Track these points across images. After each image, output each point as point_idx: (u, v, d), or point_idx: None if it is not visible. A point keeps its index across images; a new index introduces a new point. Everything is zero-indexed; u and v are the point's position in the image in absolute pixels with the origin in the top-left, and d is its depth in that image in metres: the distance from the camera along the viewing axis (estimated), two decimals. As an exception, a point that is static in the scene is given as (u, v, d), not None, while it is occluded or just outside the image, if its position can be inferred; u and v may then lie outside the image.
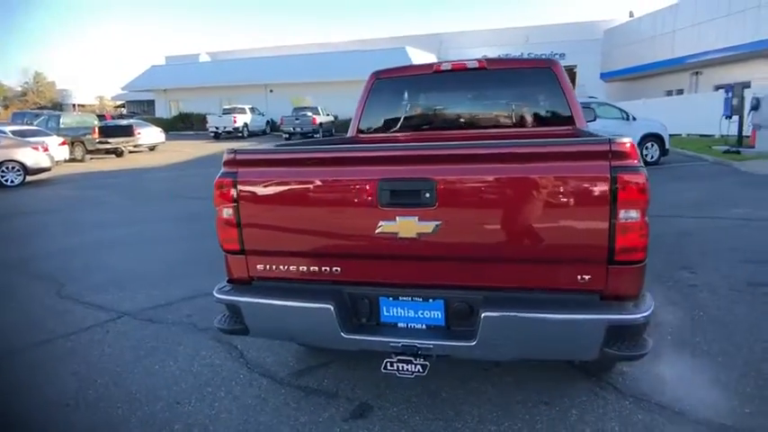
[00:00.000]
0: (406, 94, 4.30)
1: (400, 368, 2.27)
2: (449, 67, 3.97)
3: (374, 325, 2.42)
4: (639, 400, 2.83)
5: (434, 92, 4.29)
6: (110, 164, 18.87)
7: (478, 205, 2.18)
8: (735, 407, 2.75)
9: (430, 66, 4.06)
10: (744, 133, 14.67)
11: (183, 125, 37.34)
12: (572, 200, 2.09)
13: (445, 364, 2.78)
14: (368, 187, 2.24)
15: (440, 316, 2.34)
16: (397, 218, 2.22)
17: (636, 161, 2.05)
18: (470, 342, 2.19)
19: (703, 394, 2.88)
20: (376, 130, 4.27)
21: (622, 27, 36.54)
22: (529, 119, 4.05)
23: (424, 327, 2.37)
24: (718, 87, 24.62)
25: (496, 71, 3.98)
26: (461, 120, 4.25)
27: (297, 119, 29.61)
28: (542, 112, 4.03)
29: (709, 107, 19.40)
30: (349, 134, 4.31)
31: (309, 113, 30.10)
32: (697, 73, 28.81)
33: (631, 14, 39.42)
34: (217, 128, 30.79)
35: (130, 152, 21.83)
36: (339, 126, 33.01)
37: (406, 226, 2.21)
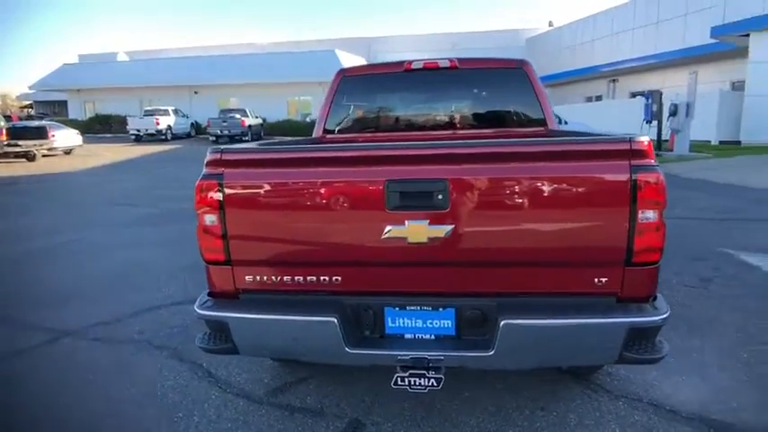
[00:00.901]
0: (374, 93, 4.15)
1: (412, 383, 2.11)
2: (420, 66, 3.85)
3: (378, 337, 2.25)
4: (632, 401, 2.82)
5: (404, 91, 4.16)
6: (21, 168, 17.31)
7: (494, 207, 2.06)
8: (721, 400, 2.81)
9: (400, 64, 3.92)
10: (663, 137, 15.64)
11: (101, 127, 35.18)
12: (591, 199, 2.03)
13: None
14: (374, 189, 2.07)
15: (450, 325, 2.20)
16: (407, 222, 2.06)
17: (653, 160, 2.01)
18: (488, 352, 2.06)
19: (689, 390, 2.92)
20: (343, 131, 4.08)
21: (544, 36, 38.27)
22: (502, 119, 4.00)
23: (432, 337, 2.23)
24: (634, 94, 26.30)
25: (468, 71, 3.91)
26: (433, 120, 4.14)
27: (224, 121, 28.78)
28: (515, 112, 4.00)
29: (627, 112, 20.62)
30: (314, 134, 4.09)
31: (238, 116, 29.32)
32: (614, 80, 30.65)
33: (551, 24, 41.39)
34: (138, 130, 29.30)
35: (44, 156, 20.19)
36: (268, 129, 32.38)
37: (417, 230, 2.06)
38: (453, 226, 2.05)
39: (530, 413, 2.74)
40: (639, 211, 1.99)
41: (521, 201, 2.05)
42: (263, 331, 2.22)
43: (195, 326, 3.95)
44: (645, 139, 2.00)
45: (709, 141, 18.81)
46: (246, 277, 2.26)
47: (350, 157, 2.17)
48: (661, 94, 15.97)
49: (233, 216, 2.18)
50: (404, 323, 2.23)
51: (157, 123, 29.20)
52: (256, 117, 31.32)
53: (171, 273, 5.34)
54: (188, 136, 32.57)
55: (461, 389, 2.94)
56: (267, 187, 2.18)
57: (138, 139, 29.21)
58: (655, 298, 2.15)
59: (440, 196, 2.04)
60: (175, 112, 31.66)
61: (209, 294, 2.37)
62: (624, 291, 2.09)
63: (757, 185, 10.36)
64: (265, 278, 2.24)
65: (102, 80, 37.95)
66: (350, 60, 36.44)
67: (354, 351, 2.14)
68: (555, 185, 2.02)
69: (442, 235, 2.05)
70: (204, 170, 2.22)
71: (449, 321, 2.20)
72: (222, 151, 2.19)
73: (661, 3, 25.32)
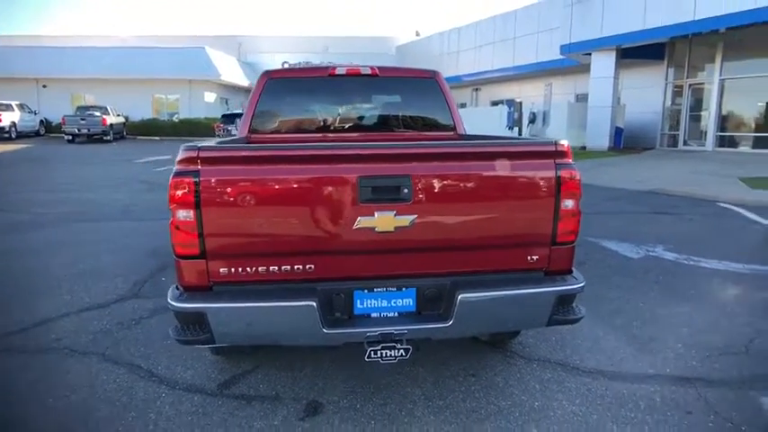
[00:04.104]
0: (298, 95, 4.33)
1: (384, 354, 2.39)
2: (343, 72, 4.12)
3: (347, 318, 2.49)
4: (543, 362, 3.36)
5: (328, 95, 4.39)
6: None
7: (449, 199, 2.42)
8: (611, 356, 3.44)
9: (325, 69, 4.16)
10: (524, 142, 17.34)
11: None
12: (526, 192, 2.47)
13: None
14: (349, 184, 2.32)
15: (411, 303, 2.52)
16: (376, 213, 2.34)
17: (571, 160, 2.50)
18: (446, 323, 2.42)
19: (584, 350, 3.52)
20: (269, 131, 4.22)
21: (413, 44, 40.07)
22: (417, 123, 4.42)
23: (396, 314, 2.52)
24: (494, 102, 28.62)
25: (386, 78, 4.26)
26: (355, 123, 4.43)
27: (83, 119, 26.50)
28: (429, 118, 4.43)
29: (490, 119, 22.41)
30: (239, 134, 4.18)
31: (98, 113, 27.16)
32: (477, 89, 33.08)
33: (417, 34, 43.43)
34: (-25, 127, 25.81)
35: None
36: (132, 128, 30.34)
37: (384, 221, 2.35)
38: (416, 216, 2.37)
39: (463, 380, 3.14)
40: (562, 201, 2.47)
41: (472, 193, 2.43)
42: (245, 318, 2.36)
43: (120, 330, 3.85)
44: (565, 142, 2.49)
45: (560, 146, 21.13)
46: (221, 270, 2.37)
47: (323, 156, 2.39)
48: (521, 103, 17.70)
49: (209, 212, 2.28)
50: (371, 304, 2.50)
51: (0, 120, 26.01)
52: (118, 115, 29.22)
53: (69, 279, 5.04)
54: (37, 134, 29.43)
55: (400, 365, 3.26)
56: (244, 184, 2.32)
57: (-25, 136, 25.79)
58: (572, 271, 2.66)
59: (405, 190, 2.35)
60: (21, 107, 28.40)
61: (177, 287, 2.45)
62: (550, 266, 2.58)
63: (603, 184, 11.99)
64: (240, 270, 2.37)
65: None
66: (221, 59, 35.35)
67: (330, 331, 2.37)
68: (500, 180, 2.44)
69: (407, 224, 2.37)
70: (177, 167, 2.30)
71: (410, 300, 2.52)
72: (199, 149, 2.29)
73: (517, 20, 27.89)
